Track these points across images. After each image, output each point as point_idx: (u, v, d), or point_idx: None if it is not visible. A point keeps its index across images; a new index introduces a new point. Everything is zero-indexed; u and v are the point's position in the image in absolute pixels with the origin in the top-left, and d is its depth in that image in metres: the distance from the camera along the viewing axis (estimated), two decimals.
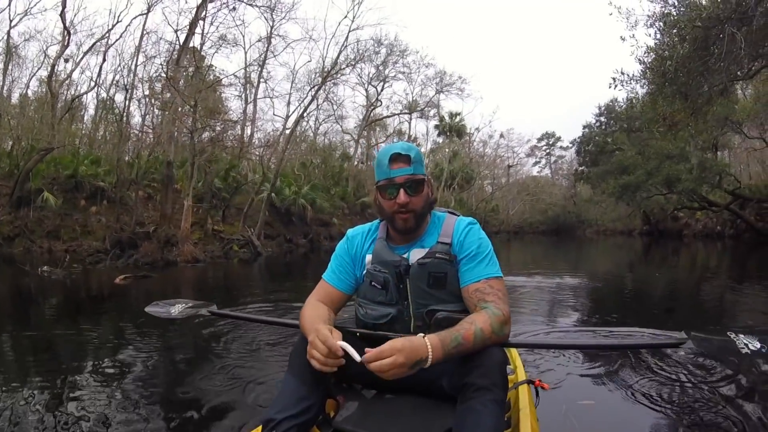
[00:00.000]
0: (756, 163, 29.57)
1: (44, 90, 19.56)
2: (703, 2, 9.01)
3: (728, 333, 1.46)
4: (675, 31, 9.04)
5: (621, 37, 10.08)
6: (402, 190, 1.54)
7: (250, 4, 19.24)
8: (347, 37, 20.92)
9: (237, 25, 21.60)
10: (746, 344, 1.38)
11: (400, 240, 1.65)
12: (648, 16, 9.75)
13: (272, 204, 19.47)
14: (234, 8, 19.20)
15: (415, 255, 1.60)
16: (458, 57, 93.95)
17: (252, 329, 4.35)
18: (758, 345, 1.36)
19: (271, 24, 21.53)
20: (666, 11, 9.28)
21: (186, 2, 29.71)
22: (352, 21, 20.72)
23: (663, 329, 1.65)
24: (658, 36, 9.61)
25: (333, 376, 1.51)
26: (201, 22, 17.92)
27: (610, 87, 11.50)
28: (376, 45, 26.24)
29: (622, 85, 11.19)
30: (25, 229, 14.26)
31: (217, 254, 14.60)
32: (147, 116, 21.77)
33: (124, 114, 17.19)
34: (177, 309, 2.09)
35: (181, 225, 13.83)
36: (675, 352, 3.36)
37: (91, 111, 23.36)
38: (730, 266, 12.79)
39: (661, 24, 9.38)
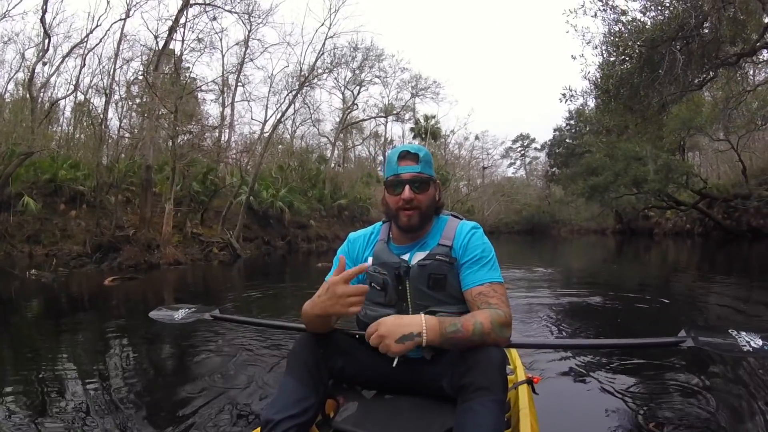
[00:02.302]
0: (725, 163, 30.42)
1: (21, 93, 19.54)
2: (648, 23, 9.82)
3: (729, 331, 1.46)
4: (618, 50, 9.81)
5: (572, 56, 10.87)
6: (407, 187, 1.56)
7: (229, 11, 19.52)
8: (324, 44, 21.42)
9: (217, 32, 21.65)
10: (748, 342, 1.38)
11: (403, 240, 1.67)
12: (604, 34, 10.54)
13: (250, 207, 19.80)
14: (214, 18, 19.47)
15: (417, 257, 1.61)
16: (434, 61, 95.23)
17: (251, 332, 4.38)
18: (760, 342, 1.36)
19: (248, 28, 21.79)
20: (615, 30, 10.04)
21: (167, 11, 29.53)
22: (329, 29, 21.23)
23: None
24: (604, 55, 10.38)
25: (331, 379, 1.56)
26: (181, 29, 18.14)
27: (560, 101, 12.39)
28: (352, 50, 26.80)
29: (571, 101, 12.09)
30: (5, 234, 14.39)
31: (198, 257, 15.01)
32: (125, 119, 21.81)
33: (103, 118, 17.28)
34: (180, 314, 2.10)
35: (163, 228, 14.17)
36: (675, 350, 3.28)
37: (67, 113, 23.28)
38: (697, 263, 13.32)
39: (604, 47, 10.17)
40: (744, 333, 1.43)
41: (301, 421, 1.35)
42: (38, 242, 14.66)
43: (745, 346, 1.36)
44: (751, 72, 15.56)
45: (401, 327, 1.30)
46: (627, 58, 9.89)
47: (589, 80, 10.97)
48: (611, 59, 10.15)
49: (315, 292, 1.43)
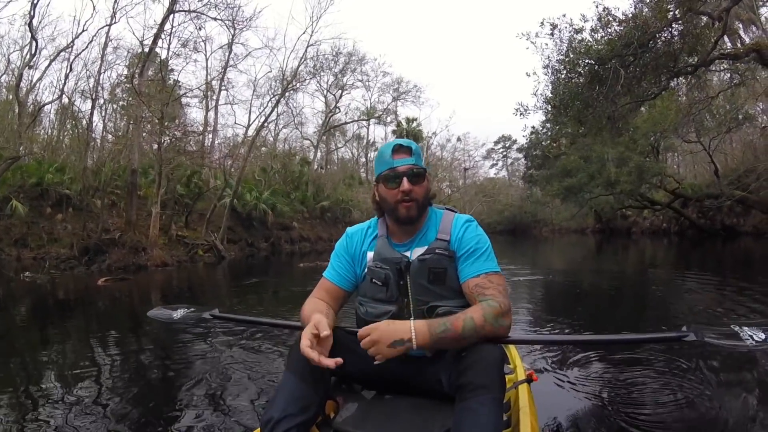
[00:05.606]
0: (700, 164, 30.98)
1: (6, 96, 19.57)
2: (597, 39, 10.61)
3: (732, 325, 1.45)
4: (567, 67, 10.56)
5: (526, 73, 11.65)
6: (405, 179, 1.56)
7: (214, 18, 19.80)
8: (306, 51, 21.90)
9: (202, 39, 21.90)
10: (751, 336, 1.37)
11: (401, 235, 1.67)
12: (557, 51, 11.28)
13: (234, 209, 20.12)
14: (201, 27, 19.77)
15: (417, 253, 1.62)
16: (417, 63, 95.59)
17: (251, 331, 4.37)
18: (763, 336, 1.35)
19: (232, 33, 22.07)
20: (567, 47, 10.77)
21: (154, 20, 29.63)
22: (311, 36, 21.69)
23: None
24: (554, 74, 11.14)
25: (332, 376, 1.55)
26: (167, 37, 18.41)
27: (514, 115, 13.24)
28: (334, 56, 27.26)
29: (524, 115, 12.90)
30: None
31: (183, 258, 15.46)
32: (110, 123, 21.99)
33: (89, 122, 17.50)
34: (179, 313, 2.07)
35: (150, 231, 14.58)
36: (677, 346, 3.42)
37: (51, 116, 23.32)
38: (673, 260, 13.92)
39: (553, 66, 10.94)
40: (747, 327, 1.42)
41: (301, 420, 1.34)
42: (26, 246, 14.85)
43: (748, 340, 1.36)
44: (728, 77, 16.31)
45: (393, 333, 1.34)
46: (576, 75, 10.62)
47: (538, 97, 11.77)
48: (561, 76, 10.88)
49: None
